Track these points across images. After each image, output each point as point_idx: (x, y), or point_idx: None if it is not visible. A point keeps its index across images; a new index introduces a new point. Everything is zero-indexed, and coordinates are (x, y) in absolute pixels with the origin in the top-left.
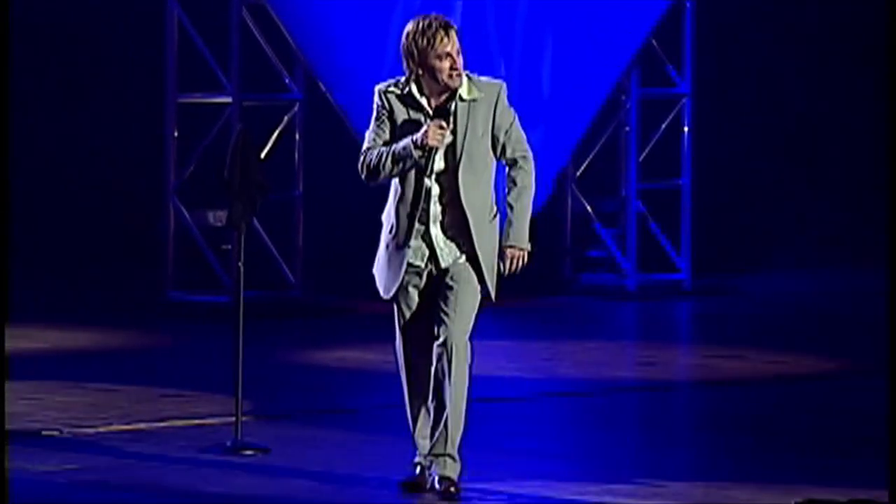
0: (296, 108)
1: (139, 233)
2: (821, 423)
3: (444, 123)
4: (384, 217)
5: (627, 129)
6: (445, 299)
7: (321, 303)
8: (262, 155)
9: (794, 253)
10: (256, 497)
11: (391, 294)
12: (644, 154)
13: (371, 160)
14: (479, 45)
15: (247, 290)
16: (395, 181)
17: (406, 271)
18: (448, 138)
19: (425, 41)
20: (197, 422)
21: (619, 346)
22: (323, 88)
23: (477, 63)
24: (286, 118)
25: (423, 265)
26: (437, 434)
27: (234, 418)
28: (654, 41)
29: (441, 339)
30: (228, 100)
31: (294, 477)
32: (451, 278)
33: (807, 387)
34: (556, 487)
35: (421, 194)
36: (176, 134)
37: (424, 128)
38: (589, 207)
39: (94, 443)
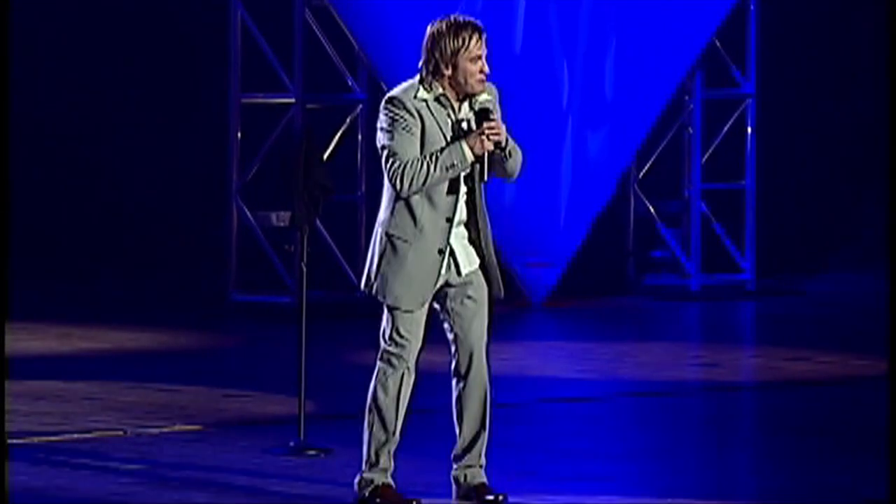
0: (359, 109)
1: (202, 233)
2: (882, 425)
3: (493, 125)
4: (387, 227)
5: (691, 130)
6: (472, 315)
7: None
8: (325, 156)
9: (858, 253)
10: (319, 497)
11: (420, 304)
12: (707, 155)
13: (417, 172)
14: (541, 46)
15: (310, 291)
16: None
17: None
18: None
19: (459, 42)
20: (260, 422)
21: (682, 346)
22: (386, 89)
23: (539, 64)
24: (349, 119)
25: (446, 272)
26: (473, 446)
27: (297, 418)
28: (717, 42)
29: (473, 357)
30: (292, 100)
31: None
32: (475, 291)
33: (869, 388)
34: (619, 489)
35: (458, 200)
36: (239, 134)
37: (476, 133)
38: (652, 209)
39: (157, 443)
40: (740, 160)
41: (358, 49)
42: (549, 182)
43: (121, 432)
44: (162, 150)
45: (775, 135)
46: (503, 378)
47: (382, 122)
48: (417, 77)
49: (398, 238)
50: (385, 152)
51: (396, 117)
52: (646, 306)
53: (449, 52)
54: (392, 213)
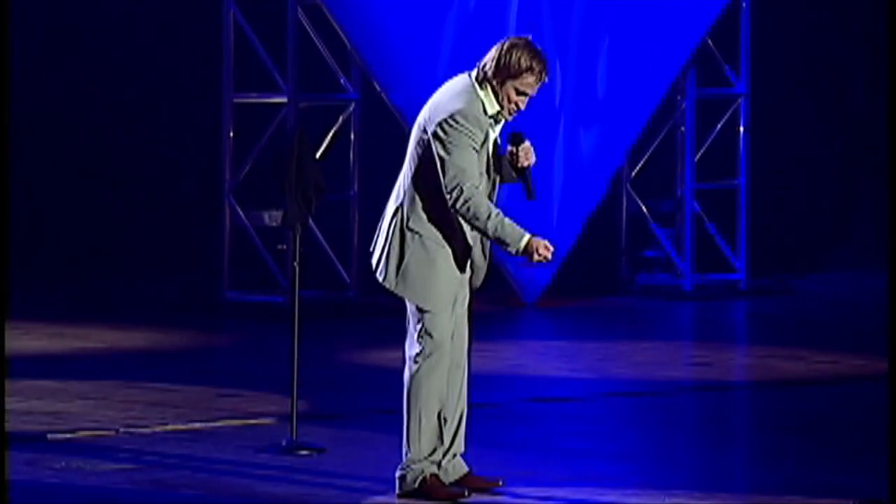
0: (351, 109)
1: (195, 232)
2: (878, 424)
3: (549, 246)
4: (425, 226)
5: (683, 129)
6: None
7: (377, 303)
8: (318, 155)
9: (850, 252)
10: (312, 497)
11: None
12: (700, 154)
13: (477, 213)
14: None
15: (303, 291)
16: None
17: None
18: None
19: (526, 67)
20: (253, 421)
21: (675, 346)
22: (378, 89)
23: None
24: (342, 118)
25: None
26: (457, 436)
27: (289, 418)
28: (710, 41)
29: (467, 346)
30: (284, 100)
31: (349, 477)
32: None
33: (863, 387)
34: (613, 490)
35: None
36: (232, 134)
37: (536, 244)
38: (644, 208)
39: (150, 442)
40: (733, 159)
41: (350, 48)
42: (541, 181)
43: (114, 431)
44: (154, 150)
45: (768, 134)
46: (497, 377)
47: (452, 135)
48: (473, 82)
49: (438, 234)
50: (451, 169)
51: (470, 134)
52: (639, 306)
53: (515, 69)
54: (428, 212)
